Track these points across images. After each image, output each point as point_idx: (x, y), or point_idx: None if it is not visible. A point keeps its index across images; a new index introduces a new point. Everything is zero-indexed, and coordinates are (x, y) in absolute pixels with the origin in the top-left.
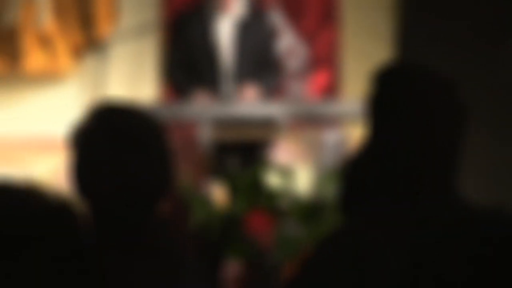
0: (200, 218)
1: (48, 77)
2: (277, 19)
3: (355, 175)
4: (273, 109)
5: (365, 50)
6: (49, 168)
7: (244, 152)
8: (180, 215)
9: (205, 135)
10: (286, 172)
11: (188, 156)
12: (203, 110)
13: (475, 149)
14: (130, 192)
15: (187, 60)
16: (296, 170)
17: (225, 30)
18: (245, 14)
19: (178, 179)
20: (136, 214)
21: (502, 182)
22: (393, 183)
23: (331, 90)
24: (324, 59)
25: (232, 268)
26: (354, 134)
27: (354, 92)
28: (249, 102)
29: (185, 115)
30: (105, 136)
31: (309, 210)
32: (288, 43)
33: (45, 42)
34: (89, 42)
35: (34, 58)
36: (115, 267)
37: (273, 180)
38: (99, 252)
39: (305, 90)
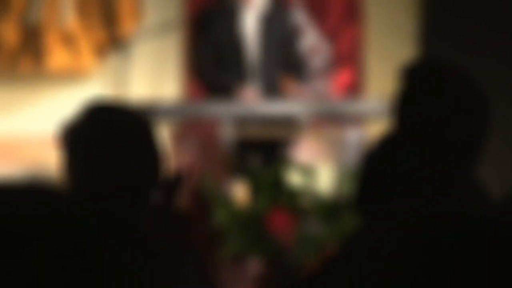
0: (222, 217)
1: (71, 76)
2: (300, 16)
3: (375, 171)
4: (296, 107)
5: (388, 48)
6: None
7: (266, 151)
8: (202, 214)
9: (227, 133)
10: (308, 171)
11: (210, 155)
12: (225, 108)
13: (498, 143)
14: (125, 188)
15: (214, 55)
16: (317, 169)
17: (250, 25)
18: (268, 10)
19: (200, 178)
20: (132, 209)
21: None
22: (417, 179)
23: (354, 88)
24: (347, 57)
25: (253, 266)
26: (376, 132)
27: (377, 90)
28: (272, 100)
29: (208, 113)
30: (95, 134)
31: (330, 209)
32: (311, 41)
33: (68, 40)
34: (113, 40)
35: (57, 57)
36: (112, 264)
37: (294, 178)
38: (98, 249)
39: (328, 88)
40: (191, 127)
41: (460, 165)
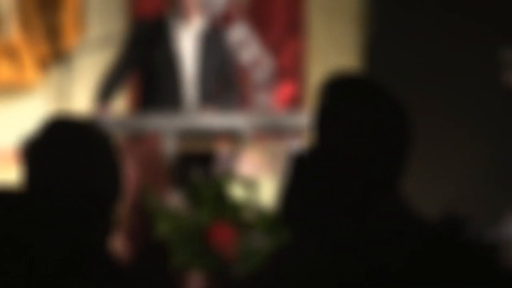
0: (163, 229)
1: (14, 89)
2: (242, 31)
3: (298, 187)
4: (237, 121)
5: (331, 61)
6: (16, 180)
7: (207, 164)
8: (143, 226)
9: (169, 146)
10: (250, 184)
11: (152, 168)
12: (166, 122)
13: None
14: (83, 203)
15: (150, 72)
16: (260, 182)
17: (187, 44)
18: (206, 29)
19: (141, 190)
20: (91, 225)
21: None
22: (338, 195)
23: (296, 101)
24: (290, 71)
25: (196, 280)
26: None
27: None
28: (213, 114)
29: (150, 126)
30: (56, 148)
31: (273, 222)
32: (253, 55)
33: (11, 53)
34: (56, 54)
35: (0, 70)
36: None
37: (237, 191)
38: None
39: (270, 101)
40: (133, 141)
41: (382, 180)
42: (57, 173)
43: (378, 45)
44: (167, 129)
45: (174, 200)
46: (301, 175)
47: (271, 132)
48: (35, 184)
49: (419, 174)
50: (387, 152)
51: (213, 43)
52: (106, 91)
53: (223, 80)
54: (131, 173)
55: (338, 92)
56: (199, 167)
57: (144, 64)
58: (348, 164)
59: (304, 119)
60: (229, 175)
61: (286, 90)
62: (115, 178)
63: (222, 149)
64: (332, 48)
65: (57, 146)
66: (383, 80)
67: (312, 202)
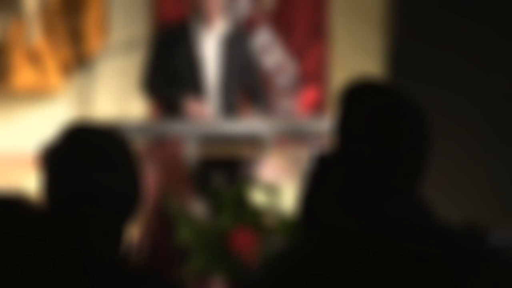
0: (185, 235)
1: (37, 94)
2: (265, 36)
3: (318, 190)
4: (260, 126)
5: (354, 66)
6: (39, 185)
7: (229, 169)
8: (166, 232)
9: (191, 151)
10: (272, 189)
11: (174, 173)
12: (189, 127)
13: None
14: (102, 211)
15: (173, 76)
16: (281, 187)
17: (210, 48)
18: (230, 33)
19: (163, 196)
20: (108, 233)
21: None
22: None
23: (320, 106)
24: (313, 76)
25: (217, 285)
26: None
27: None
28: (237, 119)
29: (172, 131)
30: (76, 155)
31: (294, 227)
32: (276, 60)
33: (34, 59)
34: (79, 59)
35: (23, 75)
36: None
37: (258, 197)
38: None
39: (293, 106)
40: (155, 146)
41: (401, 185)
42: (76, 180)
43: (402, 50)
44: (189, 135)
45: (196, 206)
46: (322, 178)
47: (294, 137)
48: (54, 190)
49: (440, 181)
50: (406, 157)
51: (236, 47)
52: (164, 89)
53: (248, 85)
54: (152, 178)
55: (358, 98)
56: (220, 172)
57: (167, 69)
58: (367, 168)
59: (326, 124)
60: (250, 180)
61: (309, 95)
62: (134, 185)
63: (245, 154)
64: (355, 53)
65: (76, 152)
66: (406, 85)
67: (331, 206)
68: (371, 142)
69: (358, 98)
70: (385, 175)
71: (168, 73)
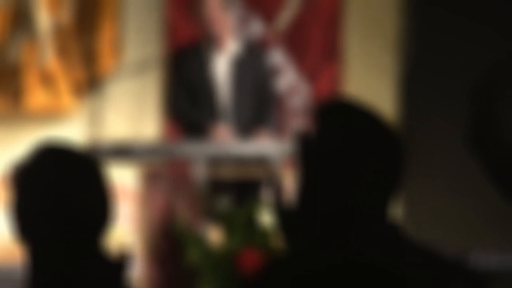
0: (194, 257)
1: (50, 115)
2: (278, 57)
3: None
4: (270, 147)
5: (368, 88)
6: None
7: (239, 191)
8: (175, 254)
9: (200, 173)
10: None
11: (183, 195)
12: (198, 149)
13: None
14: (71, 230)
15: (187, 96)
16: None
17: (222, 68)
18: (241, 53)
19: (171, 217)
20: (78, 252)
21: None
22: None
23: None
24: (326, 97)
25: None
26: None
27: None
28: (247, 141)
29: (182, 153)
30: (45, 175)
31: None
32: (289, 81)
33: (47, 80)
34: (92, 79)
35: (36, 96)
36: None
37: (267, 218)
38: None
39: (306, 128)
40: (165, 167)
41: (372, 206)
42: (45, 199)
43: (416, 72)
44: (199, 156)
45: (204, 227)
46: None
47: None
48: (24, 210)
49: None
50: (376, 179)
51: (247, 69)
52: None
53: (260, 105)
54: (162, 200)
55: (326, 119)
56: (230, 194)
57: (185, 90)
58: (335, 192)
59: None
60: (259, 202)
61: None
62: (102, 205)
63: (256, 176)
64: (369, 75)
65: (45, 172)
66: (420, 107)
67: (304, 222)
68: (340, 162)
69: (329, 118)
70: (354, 197)
71: (187, 95)
